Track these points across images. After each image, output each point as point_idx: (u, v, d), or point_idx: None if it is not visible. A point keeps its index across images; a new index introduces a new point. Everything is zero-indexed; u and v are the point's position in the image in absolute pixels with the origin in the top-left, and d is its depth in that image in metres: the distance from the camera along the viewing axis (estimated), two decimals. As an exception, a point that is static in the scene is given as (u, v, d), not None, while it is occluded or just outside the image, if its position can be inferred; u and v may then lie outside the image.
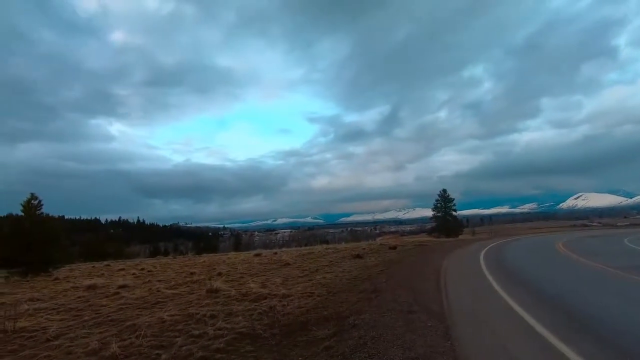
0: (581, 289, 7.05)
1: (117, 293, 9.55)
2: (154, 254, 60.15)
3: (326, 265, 13.08)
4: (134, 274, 14.66)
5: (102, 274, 15.48)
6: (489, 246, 20.08)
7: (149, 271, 15.55)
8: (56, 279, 14.45)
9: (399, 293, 6.75)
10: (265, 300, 7.23)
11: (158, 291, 9.47)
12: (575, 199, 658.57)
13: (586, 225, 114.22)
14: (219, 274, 12.33)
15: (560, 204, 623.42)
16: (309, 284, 8.93)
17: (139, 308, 7.52)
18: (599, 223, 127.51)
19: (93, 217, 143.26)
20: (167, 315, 6.36)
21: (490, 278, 8.71)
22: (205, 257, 22.19)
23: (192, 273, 13.31)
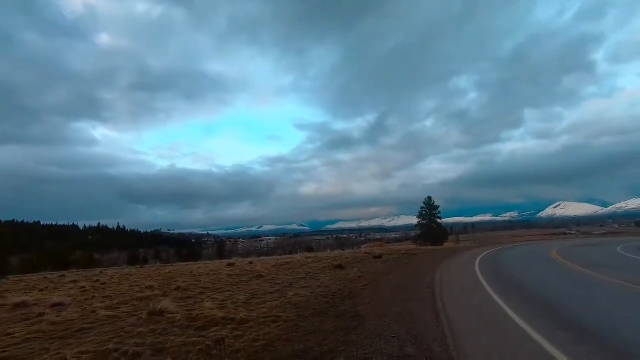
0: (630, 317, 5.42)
1: (42, 315, 7.76)
2: (131, 261, 57.09)
3: (302, 278, 11.51)
4: (83, 287, 12.73)
5: (46, 287, 13.47)
6: (480, 256, 18.83)
7: (102, 284, 13.64)
8: (-11, 293, 12.38)
9: (386, 321, 5.24)
10: (215, 328, 5.64)
11: (93, 312, 7.72)
12: (555, 207, 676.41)
13: (565, 234, 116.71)
14: (177, 289, 10.61)
15: (540, 213, 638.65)
16: (277, 304, 7.35)
17: (52, 339, 5.80)
18: (578, 232, 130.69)
19: (71, 223, 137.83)
20: (74, 354, 4.71)
21: (498, 300, 6.80)
22: (172, 267, 20.25)
23: (148, 287, 11.52)
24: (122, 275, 17.33)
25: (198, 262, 24.24)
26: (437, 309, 5.87)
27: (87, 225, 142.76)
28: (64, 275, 18.43)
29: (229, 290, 9.79)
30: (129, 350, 4.71)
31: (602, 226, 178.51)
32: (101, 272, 20.29)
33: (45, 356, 4.86)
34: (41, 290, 12.74)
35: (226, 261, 21.15)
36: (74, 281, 15.18)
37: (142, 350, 4.71)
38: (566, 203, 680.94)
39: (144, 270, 20.19)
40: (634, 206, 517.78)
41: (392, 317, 5.46)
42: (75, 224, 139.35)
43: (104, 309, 7.99)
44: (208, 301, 8.07)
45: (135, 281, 13.81)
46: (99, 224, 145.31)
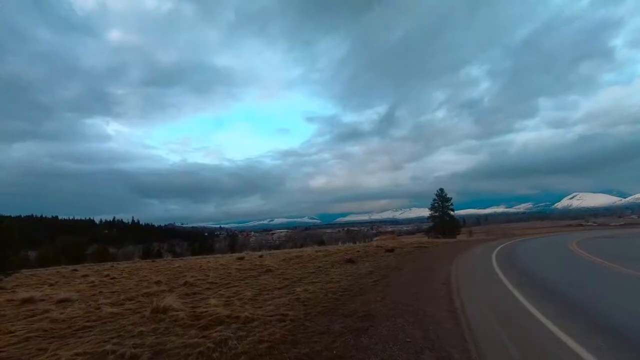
0: None
1: (47, 311, 7.64)
2: (145, 255, 57.98)
3: (312, 273, 11.21)
4: (92, 282, 12.70)
5: (57, 282, 13.50)
6: (496, 250, 18.14)
7: (112, 278, 13.62)
8: (1, 288, 12.46)
9: (399, 322, 4.84)
10: (219, 328, 5.36)
11: (97, 309, 7.56)
12: (570, 198, 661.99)
13: (582, 225, 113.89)
14: (185, 284, 10.44)
15: (555, 204, 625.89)
16: (285, 300, 7.05)
17: (53, 338, 5.61)
18: (595, 223, 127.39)
19: (87, 218, 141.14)
20: (70, 355, 4.48)
21: (522, 299, 6.11)
22: (183, 261, 20.24)
23: (156, 282, 11.39)
24: (132, 269, 17.36)
25: (209, 256, 24.25)
26: (454, 309, 5.40)
27: (103, 220, 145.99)
28: (76, 270, 18.57)
29: (236, 286, 9.56)
30: (126, 352, 4.45)
31: (620, 217, 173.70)
32: (112, 266, 20.42)
33: (42, 357, 4.65)
34: (51, 285, 12.75)
35: (236, 255, 21.06)
36: (85, 275, 15.23)
37: (140, 352, 4.45)
38: (582, 194, 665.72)
39: (154, 264, 20.25)
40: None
41: (405, 317, 5.06)
42: (92, 218, 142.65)
43: (109, 306, 7.82)
44: (214, 297, 7.82)
45: (145, 276, 13.75)
46: (114, 218, 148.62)
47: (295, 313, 5.95)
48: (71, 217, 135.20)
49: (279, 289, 8.66)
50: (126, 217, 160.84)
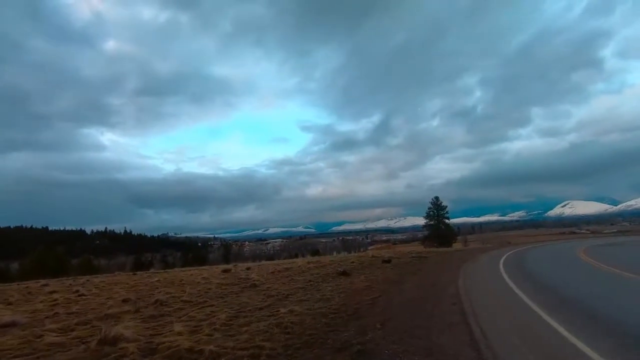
0: None
1: (-21, 340, 6.32)
2: (136, 266, 55.92)
3: (301, 288, 9.98)
4: (55, 300, 11.30)
5: (17, 299, 12.07)
6: (502, 260, 16.91)
7: (79, 295, 12.21)
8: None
9: (406, 361, 3.66)
10: (173, 369, 4.14)
11: (39, 337, 6.25)
12: (563, 206, 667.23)
13: (574, 233, 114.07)
14: (155, 302, 9.14)
15: (549, 212, 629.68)
16: (264, 326, 5.82)
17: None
18: (587, 230, 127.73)
19: (78, 228, 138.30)
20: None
21: (554, 324, 4.93)
22: (166, 274, 18.85)
23: (125, 300, 10.06)
24: (107, 284, 15.94)
25: (193, 269, 22.82)
26: (475, 341, 4.15)
27: (95, 230, 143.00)
28: (46, 285, 17.05)
29: (212, 305, 8.30)
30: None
31: (612, 225, 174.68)
32: (88, 280, 18.91)
33: None
34: (9, 304, 11.31)
35: (222, 267, 19.67)
36: (52, 292, 13.77)
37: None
38: (575, 202, 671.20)
39: (134, 278, 18.79)
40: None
41: (416, 355, 3.87)
42: (83, 228, 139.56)
43: (54, 333, 6.54)
44: (181, 321, 6.58)
45: (116, 292, 12.37)
46: (106, 228, 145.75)
47: (273, 345, 4.74)
48: (62, 228, 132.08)
49: (260, 309, 7.43)
50: (118, 228, 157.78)
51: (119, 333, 5.53)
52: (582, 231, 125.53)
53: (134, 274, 21.95)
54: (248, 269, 17.26)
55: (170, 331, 5.90)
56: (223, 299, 9.13)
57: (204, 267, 22.67)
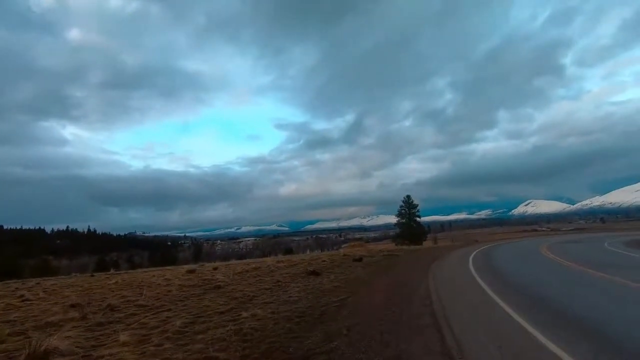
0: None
1: None
2: (99, 266, 52.93)
3: (268, 289, 9.50)
4: (-6, 306, 10.18)
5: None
6: (470, 257, 17.12)
7: (24, 300, 11.08)
8: None
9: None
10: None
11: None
12: (526, 205, 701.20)
13: (536, 230, 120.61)
14: (107, 307, 8.38)
15: (513, 210, 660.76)
16: (222, 333, 5.33)
17: None
18: (548, 228, 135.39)
19: (37, 227, 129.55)
20: None
21: (529, 328, 4.71)
22: (127, 275, 17.73)
23: (73, 305, 9.17)
24: (60, 286, 14.69)
25: (158, 269, 21.67)
26: (448, 350, 3.87)
27: (56, 229, 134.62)
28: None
29: (169, 310, 7.67)
30: None
31: (570, 222, 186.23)
32: (38, 283, 17.45)
33: None
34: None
35: (188, 267, 18.77)
36: (-5, 297, 12.51)
37: None
38: (536, 201, 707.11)
39: (90, 280, 17.54)
40: (597, 203, 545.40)
41: (380, 363, 3.54)
42: (43, 227, 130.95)
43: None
44: (130, 330, 5.95)
45: (67, 296, 11.36)
46: (67, 227, 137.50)
47: (228, 356, 4.27)
48: (18, 227, 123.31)
49: (221, 313, 6.90)
50: (81, 226, 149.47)
51: (52, 346, 4.86)
52: (543, 229, 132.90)
53: (92, 276, 20.53)
54: (215, 269, 16.52)
55: (114, 341, 5.28)
56: (183, 302, 8.49)
57: (168, 268, 21.59)
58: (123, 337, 5.36)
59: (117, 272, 22.52)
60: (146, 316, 7.17)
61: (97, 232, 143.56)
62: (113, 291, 11.67)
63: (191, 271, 15.64)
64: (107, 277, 18.19)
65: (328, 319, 5.84)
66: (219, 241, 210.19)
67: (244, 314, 6.50)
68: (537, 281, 9.19)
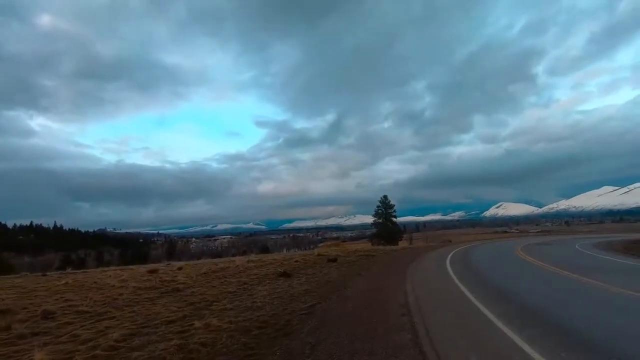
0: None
1: None
2: (65, 264, 49.71)
3: (231, 293, 8.64)
4: None
5: None
6: (448, 259, 16.78)
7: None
8: None
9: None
10: None
11: None
12: (497, 207, 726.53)
13: (506, 232, 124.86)
14: (41, 314, 7.25)
15: (485, 212, 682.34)
16: (162, 349, 4.46)
17: None
18: (517, 230, 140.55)
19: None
20: None
21: (514, 337, 4.34)
22: (81, 275, 16.28)
23: (3, 311, 7.97)
24: (1, 287, 13.19)
25: (118, 268, 20.14)
26: None
27: (18, 224, 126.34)
28: None
29: (113, 317, 6.68)
30: None
31: (537, 225, 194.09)
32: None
33: None
34: None
35: (150, 266, 17.53)
36: None
37: None
38: (506, 203, 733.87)
39: (41, 280, 15.97)
40: (563, 206, 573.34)
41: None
42: (4, 222, 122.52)
43: None
44: (53, 345, 4.98)
45: (1, 300, 10.04)
46: (32, 222, 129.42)
47: (160, 384, 3.42)
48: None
49: (170, 322, 6.00)
50: (48, 222, 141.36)
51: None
52: (512, 230, 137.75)
53: (44, 275, 18.83)
54: (180, 269, 15.40)
55: (28, 361, 4.31)
56: (131, 308, 7.49)
57: (130, 267, 20.14)
58: (38, 355, 4.40)
59: (74, 271, 20.82)
60: (82, 326, 6.16)
61: (64, 228, 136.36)
62: (58, 293, 10.41)
63: (153, 271, 14.46)
64: (60, 277, 16.67)
65: (292, 330, 5.07)
66: (193, 239, 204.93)
67: (197, 324, 5.63)
68: (524, 289, 8.31)
